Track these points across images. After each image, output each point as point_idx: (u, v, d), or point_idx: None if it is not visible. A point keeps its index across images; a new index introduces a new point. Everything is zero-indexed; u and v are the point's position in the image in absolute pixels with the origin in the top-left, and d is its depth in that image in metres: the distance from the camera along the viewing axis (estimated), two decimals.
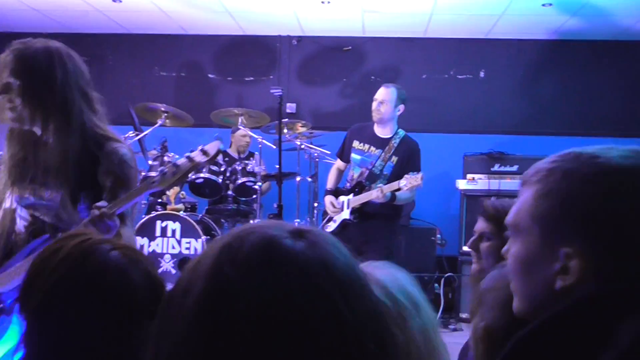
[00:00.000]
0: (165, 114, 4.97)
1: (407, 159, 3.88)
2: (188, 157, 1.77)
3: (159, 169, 1.81)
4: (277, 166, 4.46)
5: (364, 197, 3.88)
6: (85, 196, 1.83)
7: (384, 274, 1.06)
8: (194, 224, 4.48)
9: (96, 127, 1.87)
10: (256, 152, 5.31)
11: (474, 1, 5.25)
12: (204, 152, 1.76)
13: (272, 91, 4.21)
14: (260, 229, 0.69)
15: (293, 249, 0.66)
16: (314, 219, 5.27)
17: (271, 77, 6.67)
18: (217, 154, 1.77)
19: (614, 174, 0.85)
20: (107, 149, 1.85)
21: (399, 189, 3.78)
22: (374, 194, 3.78)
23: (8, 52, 1.78)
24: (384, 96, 3.97)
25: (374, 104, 3.97)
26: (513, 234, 0.95)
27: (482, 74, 6.54)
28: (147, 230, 4.49)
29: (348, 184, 4.09)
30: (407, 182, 3.72)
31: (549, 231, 0.88)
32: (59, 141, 1.80)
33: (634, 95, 6.22)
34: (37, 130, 1.82)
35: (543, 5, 5.24)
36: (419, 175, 3.74)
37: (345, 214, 3.97)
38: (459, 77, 6.56)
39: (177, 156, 4.93)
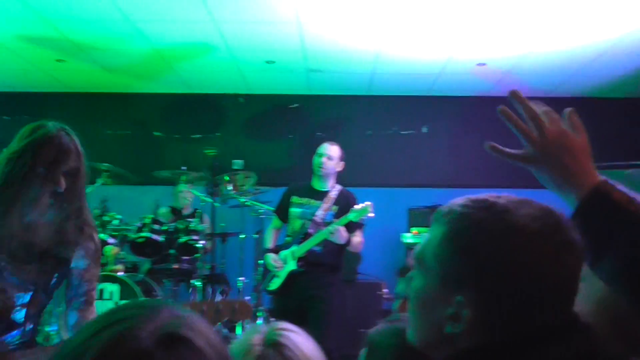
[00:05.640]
0: (107, 173, 4.91)
1: (347, 207, 3.92)
2: None
3: None
4: (221, 224, 4.43)
5: (310, 242, 3.90)
6: None
7: None
8: (133, 285, 4.36)
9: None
10: (198, 210, 5.26)
11: (412, 61, 5.44)
12: None
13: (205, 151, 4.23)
14: (127, 339, 0.62)
15: None
16: (257, 276, 5.21)
17: (218, 134, 6.70)
18: None
19: (518, 235, 0.85)
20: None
21: (349, 222, 3.82)
22: (326, 233, 3.79)
23: (69, 137, 1.83)
24: (332, 152, 4.08)
25: (322, 159, 4.05)
26: (417, 267, 0.94)
27: (424, 130, 6.72)
28: None
29: (289, 238, 4.09)
30: (357, 214, 3.79)
31: (448, 275, 0.88)
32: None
33: None
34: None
35: (478, 64, 5.48)
36: (367, 202, 3.81)
37: (292, 265, 3.96)
38: (403, 132, 6.72)
39: (117, 215, 4.85)
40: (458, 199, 0.93)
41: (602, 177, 0.91)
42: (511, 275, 0.84)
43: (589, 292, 1.08)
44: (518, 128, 0.98)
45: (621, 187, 0.90)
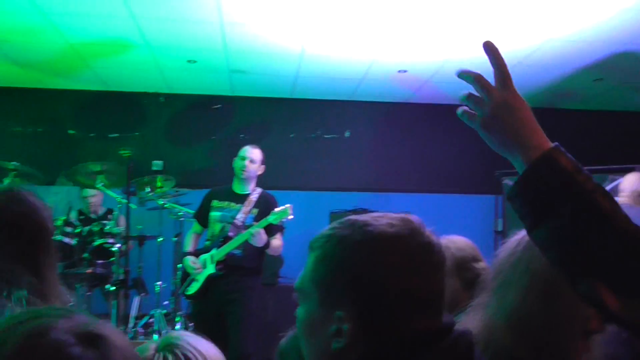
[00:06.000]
0: (14, 172, 4.65)
1: (268, 210, 3.90)
2: None
3: None
4: (138, 227, 4.29)
5: (230, 245, 3.85)
6: None
7: None
8: None
9: None
10: (115, 211, 5.08)
11: (336, 65, 5.48)
12: None
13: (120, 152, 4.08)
14: (44, 333, 0.60)
15: None
16: (176, 280, 5.10)
17: (136, 134, 6.49)
18: None
19: (378, 241, 0.90)
20: None
21: (269, 225, 3.82)
22: (246, 236, 3.76)
23: None
24: (253, 155, 4.07)
25: (244, 162, 4.03)
26: (300, 298, 0.98)
27: (347, 134, 6.79)
28: None
29: (208, 242, 4.02)
30: (277, 216, 3.80)
31: (326, 295, 0.92)
32: None
33: (484, 157, 6.73)
34: None
35: (399, 71, 5.59)
36: (287, 206, 3.82)
37: (211, 269, 3.89)
38: (326, 136, 6.77)
39: None
40: (326, 227, 0.98)
41: (553, 144, 0.92)
42: (377, 280, 0.88)
43: (501, 304, 1.12)
44: (481, 83, 0.97)
45: (570, 155, 0.91)
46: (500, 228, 6.21)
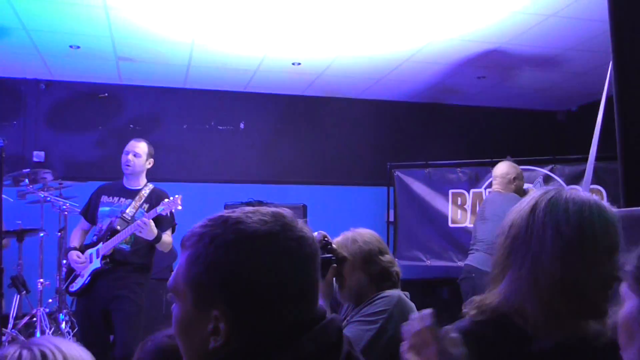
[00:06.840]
0: None
1: (158, 204, 3.78)
2: None
3: None
4: (17, 222, 4.02)
5: (117, 238, 3.69)
6: None
7: None
8: None
9: None
10: None
11: (229, 56, 5.40)
12: None
13: None
14: None
15: None
16: (61, 277, 4.83)
17: (14, 122, 6.07)
18: None
19: (250, 240, 0.90)
20: None
21: (159, 218, 3.72)
22: (134, 228, 3.63)
23: None
24: (139, 149, 3.90)
25: (128, 156, 3.87)
26: (174, 298, 0.96)
27: (242, 125, 6.74)
28: None
29: (95, 237, 3.84)
30: (165, 206, 3.69)
31: (200, 295, 0.91)
32: None
33: (376, 150, 6.93)
34: None
35: (293, 64, 5.61)
36: (177, 196, 3.73)
37: (96, 264, 3.72)
38: (220, 127, 6.67)
39: None
40: (198, 222, 0.96)
41: None
42: (250, 279, 0.89)
43: (538, 272, 1.16)
44: None
45: None
46: (392, 219, 6.41)
